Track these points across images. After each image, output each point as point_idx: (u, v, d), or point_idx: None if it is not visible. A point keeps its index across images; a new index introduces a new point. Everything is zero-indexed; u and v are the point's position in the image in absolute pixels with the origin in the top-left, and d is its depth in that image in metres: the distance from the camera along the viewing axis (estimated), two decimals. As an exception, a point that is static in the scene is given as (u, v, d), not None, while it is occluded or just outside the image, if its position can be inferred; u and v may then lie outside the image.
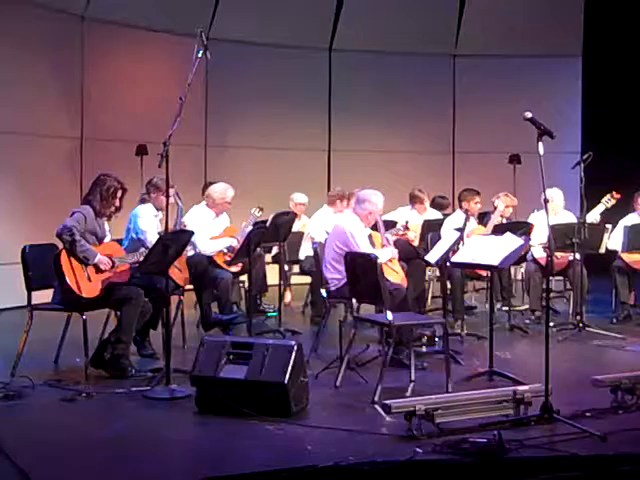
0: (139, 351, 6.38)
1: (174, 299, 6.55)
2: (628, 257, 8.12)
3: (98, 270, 5.82)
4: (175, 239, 5.89)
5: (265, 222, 7.48)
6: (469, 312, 8.33)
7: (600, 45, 11.71)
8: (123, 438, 4.52)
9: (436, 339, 6.59)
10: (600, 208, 8.10)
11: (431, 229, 8.14)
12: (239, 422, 4.66)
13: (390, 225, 7.72)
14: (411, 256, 7.65)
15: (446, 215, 8.79)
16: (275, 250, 8.77)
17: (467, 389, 5.14)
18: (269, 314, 8.38)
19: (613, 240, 8.00)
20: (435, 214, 9.11)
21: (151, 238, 6.48)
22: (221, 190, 7.60)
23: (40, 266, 5.96)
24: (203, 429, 4.77)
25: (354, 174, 10.44)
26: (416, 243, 8.13)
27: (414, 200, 9.09)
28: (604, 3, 11.50)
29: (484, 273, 7.43)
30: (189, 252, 7.04)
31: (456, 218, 7.95)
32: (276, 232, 7.42)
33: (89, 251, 5.77)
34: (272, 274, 8.50)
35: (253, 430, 4.57)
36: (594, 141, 10.86)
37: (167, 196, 5.59)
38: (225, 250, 7.42)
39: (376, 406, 4.98)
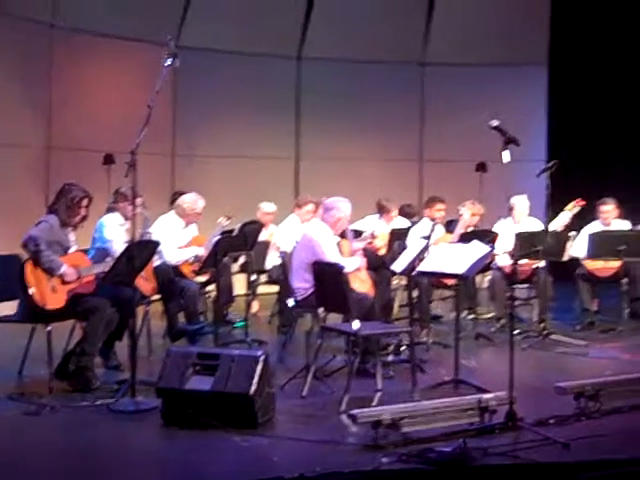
0: (104, 363, 6.33)
1: (140, 309, 6.52)
2: (591, 264, 8.21)
3: (63, 281, 5.78)
4: (141, 249, 5.87)
5: (232, 231, 7.47)
6: (435, 321, 8.37)
7: (566, 54, 11.86)
8: (88, 451, 4.49)
9: (402, 348, 6.62)
10: (564, 216, 8.19)
11: (398, 238, 8.18)
12: (205, 434, 4.65)
13: (358, 234, 7.74)
14: (378, 265, 7.67)
15: (413, 224, 8.84)
16: (242, 259, 8.75)
17: (433, 398, 5.17)
18: (236, 324, 8.35)
19: (577, 247, 8.08)
20: (403, 223, 9.15)
21: (117, 247, 6.45)
22: (192, 201, 7.59)
23: (4, 277, 5.90)
24: (169, 441, 4.75)
25: (322, 182, 10.45)
26: (383, 252, 8.17)
27: (381, 209, 9.13)
28: (570, 12, 11.64)
29: (450, 282, 7.47)
30: (156, 262, 7.02)
31: (422, 226, 7.99)
32: (243, 241, 7.41)
33: (54, 262, 5.73)
34: (239, 284, 8.48)
35: (219, 442, 4.56)
36: (559, 149, 10.97)
37: (134, 205, 5.58)
38: (192, 260, 7.40)
39: (342, 416, 5.00)
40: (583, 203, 8.19)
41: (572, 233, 7.99)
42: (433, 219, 7.82)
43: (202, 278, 7.43)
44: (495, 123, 5.16)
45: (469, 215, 8.26)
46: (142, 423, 5.00)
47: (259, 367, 4.84)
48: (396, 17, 11.60)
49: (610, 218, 8.42)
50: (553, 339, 7.52)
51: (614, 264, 8.01)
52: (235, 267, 8.77)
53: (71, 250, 6.04)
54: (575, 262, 8.26)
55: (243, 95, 11.08)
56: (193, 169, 10.81)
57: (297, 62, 11.66)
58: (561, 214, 8.14)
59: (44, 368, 5.78)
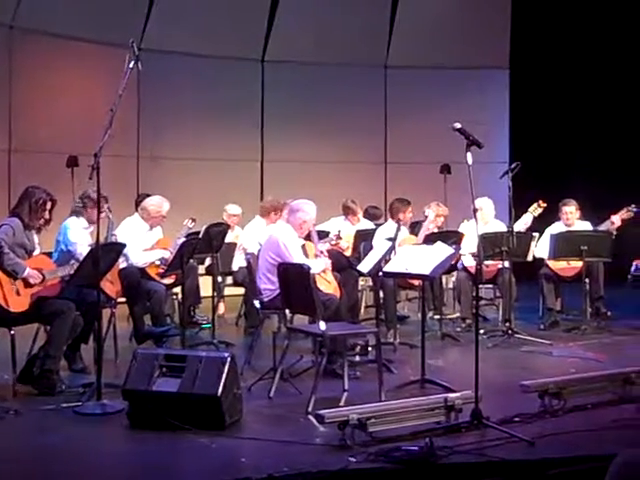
0: (70, 366, 6.28)
1: (106, 312, 6.47)
2: (554, 264, 8.31)
3: (27, 284, 5.72)
4: (107, 252, 5.82)
5: (198, 233, 7.45)
6: (402, 321, 8.43)
7: (527, 57, 12.00)
8: (53, 455, 4.45)
9: (369, 348, 6.64)
10: (528, 217, 8.29)
11: (363, 239, 8.22)
12: (172, 436, 4.63)
13: (323, 235, 7.77)
14: (344, 266, 7.71)
15: (378, 225, 8.88)
16: (208, 261, 8.73)
17: (400, 397, 5.19)
18: (202, 326, 8.33)
19: (540, 248, 8.18)
20: (368, 224, 9.20)
21: (81, 250, 6.40)
22: (157, 203, 7.56)
23: (-34, 281, 5.81)
24: (136, 444, 4.72)
25: (287, 185, 10.46)
26: (349, 253, 8.20)
27: (347, 211, 9.17)
28: (530, 17, 11.79)
29: (416, 282, 7.52)
30: (121, 264, 6.98)
31: (388, 228, 8.03)
32: (209, 243, 7.41)
33: (18, 264, 5.67)
34: (205, 285, 8.46)
35: (186, 444, 4.54)
36: (522, 151, 11.11)
37: (98, 208, 5.54)
38: (158, 262, 7.37)
39: (310, 416, 5.00)
40: (545, 205, 8.29)
41: (535, 234, 8.09)
42: (399, 221, 7.87)
43: (168, 280, 7.40)
44: (458, 126, 5.20)
45: (434, 216, 8.33)
46: (108, 426, 4.96)
47: (226, 368, 4.83)
48: (360, 20, 11.65)
49: (572, 219, 8.53)
50: (518, 338, 7.60)
51: (576, 264, 8.12)
52: (201, 269, 8.75)
53: (35, 253, 5.98)
54: (539, 262, 8.36)
55: (208, 98, 11.06)
56: (158, 171, 10.77)
57: (262, 65, 11.66)
58: (524, 215, 8.24)
59: (8, 372, 5.72)
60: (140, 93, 10.50)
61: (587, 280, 8.16)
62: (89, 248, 6.20)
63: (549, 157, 12.04)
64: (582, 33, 11.81)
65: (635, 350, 7.06)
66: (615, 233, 8.25)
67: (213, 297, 7.81)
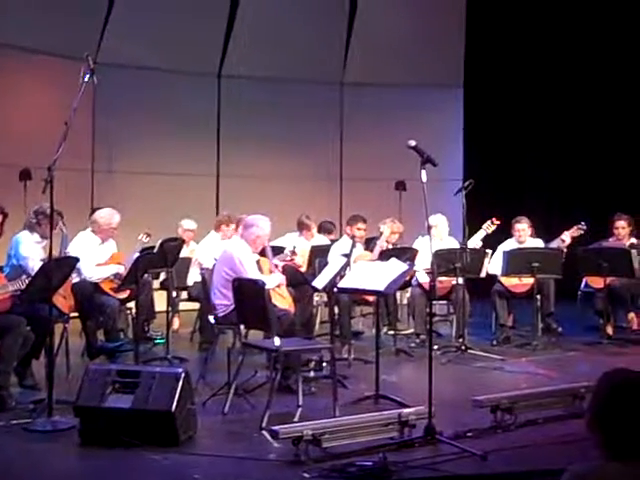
0: (20, 382, 6.17)
1: (58, 327, 6.39)
2: (507, 281, 8.42)
3: (-23, 299, 5.64)
4: (59, 266, 5.76)
5: (153, 248, 7.41)
6: (356, 337, 8.44)
7: (480, 76, 12.18)
8: (3, 472, 4.38)
9: (323, 364, 6.65)
10: (481, 234, 8.39)
11: (318, 255, 8.24)
12: (125, 453, 4.59)
13: (278, 251, 7.78)
14: (299, 282, 7.71)
15: (333, 241, 8.92)
16: (163, 276, 8.68)
17: (354, 413, 5.22)
18: (156, 341, 8.27)
19: (493, 265, 8.28)
20: (323, 240, 9.23)
21: (33, 265, 6.32)
22: (107, 215, 7.50)
23: None
24: (87, 461, 4.67)
25: (243, 200, 10.45)
26: (304, 269, 8.22)
27: (302, 227, 9.19)
28: (485, 35, 11.98)
29: (370, 298, 7.56)
30: (74, 279, 6.91)
31: (343, 244, 8.07)
32: (164, 258, 7.36)
33: (-33, 279, 5.59)
34: (160, 300, 8.41)
35: (139, 461, 4.51)
36: (475, 168, 11.25)
37: (51, 222, 5.49)
38: (112, 277, 7.31)
39: (264, 432, 4.99)
40: (498, 222, 8.40)
41: (488, 251, 8.19)
42: (353, 237, 7.92)
43: (122, 295, 7.34)
44: (412, 143, 5.26)
45: (389, 233, 8.39)
46: (59, 443, 4.89)
47: (180, 384, 4.81)
48: (317, 36, 11.73)
49: (524, 236, 8.65)
50: (471, 354, 7.68)
51: (528, 281, 8.23)
52: (156, 284, 8.69)
53: (-14, 267, 5.90)
54: (491, 279, 8.46)
55: (164, 112, 11.02)
56: (113, 185, 10.68)
57: (218, 79, 11.66)
58: (478, 232, 8.35)
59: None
60: (95, 107, 10.42)
61: (538, 296, 8.27)
62: (41, 263, 6.13)
63: (502, 175, 12.21)
64: (535, 51, 12.03)
65: (584, 366, 7.19)
66: (565, 250, 8.40)
67: (168, 312, 7.76)
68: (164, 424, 4.72)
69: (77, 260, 6.40)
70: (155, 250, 7.29)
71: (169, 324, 7.73)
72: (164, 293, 8.31)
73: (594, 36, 11.65)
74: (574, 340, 8.43)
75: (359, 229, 8.29)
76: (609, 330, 8.41)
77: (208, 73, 11.54)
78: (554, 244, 8.52)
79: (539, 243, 8.67)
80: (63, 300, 6.51)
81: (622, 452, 2.44)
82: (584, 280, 8.75)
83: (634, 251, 8.10)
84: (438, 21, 11.94)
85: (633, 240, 8.68)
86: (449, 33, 12.05)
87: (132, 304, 7.61)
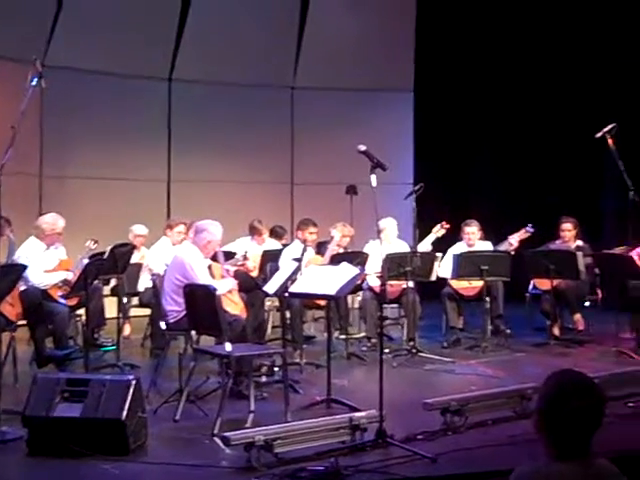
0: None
1: (5, 335, 6.28)
2: (456, 284, 8.52)
3: None
4: (6, 273, 5.68)
5: (103, 254, 7.34)
6: (308, 341, 8.47)
7: (430, 80, 12.29)
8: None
9: (275, 369, 6.66)
10: (431, 237, 8.48)
11: (270, 259, 8.25)
12: (74, 463, 4.54)
13: (229, 256, 7.77)
14: (250, 287, 7.71)
15: (284, 245, 8.94)
16: (113, 282, 8.60)
17: (306, 418, 5.24)
18: (107, 348, 8.19)
19: (443, 268, 8.37)
20: (274, 244, 9.24)
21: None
22: (51, 221, 7.42)
23: None
24: (36, 472, 4.62)
25: (194, 205, 10.42)
26: (255, 274, 8.21)
27: (253, 231, 9.19)
28: (434, 40, 12.10)
29: (322, 302, 7.58)
30: (22, 286, 6.82)
31: (294, 248, 8.09)
32: (114, 264, 7.29)
33: None
34: (110, 307, 8.32)
35: (89, 470, 4.47)
36: (425, 173, 11.35)
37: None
38: (60, 284, 7.23)
39: (216, 439, 4.98)
40: (448, 226, 8.50)
41: (438, 254, 8.28)
42: (305, 241, 7.94)
43: (71, 302, 7.26)
44: (362, 148, 5.30)
45: (340, 237, 8.43)
46: (7, 454, 4.82)
47: (131, 392, 4.78)
48: (268, 40, 11.73)
49: (474, 239, 8.76)
50: (421, 357, 7.75)
51: (478, 283, 8.33)
52: (106, 290, 8.61)
53: None
54: (442, 282, 8.55)
55: (114, 116, 10.92)
56: (62, 191, 10.55)
57: (169, 83, 11.59)
58: (428, 236, 8.43)
59: None
60: (44, 110, 10.27)
61: (487, 299, 8.37)
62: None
63: (452, 178, 12.36)
64: (484, 56, 12.19)
65: (532, 367, 7.29)
66: (513, 253, 8.52)
67: (118, 318, 7.70)
68: (114, 433, 4.68)
69: (25, 267, 6.31)
70: (105, 256, 7.23)
71: (120, 331, 7.66)
72: (114, 299, 8.23)
73: (541, 42, 11.84)
74: (522, 341, 8.56)
75: (311, 233, 8.30)
76: (556, 331, 8.56)
77: (159, 77, 11.46)
78: (502, 247, 8.64)
79: (488, 246, 8.79)
80: (10, 308, 6.42)
81: (568, 452, 2.50)
82: (532, 282, 8.89)
83: (580, 253, 8.26)
84: (388, 26, 12.02)
85: (579, 242, 8.85)
86: (399, 38, 12.14)
87: (82, 311, 7.54)
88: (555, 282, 8.24)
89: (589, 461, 2.49)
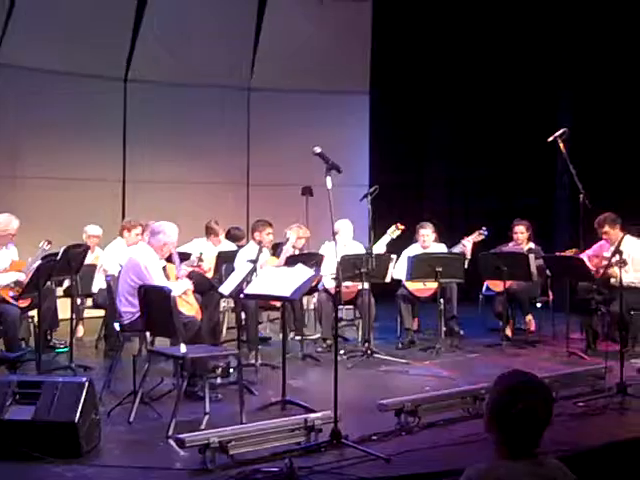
0: None
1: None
2: (411, 285, 8.58)
3: None
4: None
5: (56, 255, 7.26)
6: (263, 342, 8.46)
7: (386, 83, 12.37)
8: None
9: (230, 370, 6.65)
10: (386, 239, 8.53)
11: (225, 260, 8.23)
12: (26, 466, 4.49)
13: (185, 257, 7.73)
14: (205, 288, 7.69)
15: (240, 247, 8.92)
16: (67, 283, 8.52)
17: (261, 419, 5.24)
18: (60, 350, 8.10)
19: (398, 270, 8.43)
20: (230, 246, 9.22)
21: None
22: (4, 221, 7.34)
23: None
24: (-14, 475, 4.56)
25: (149, 205, 10.35)
26: (210, 275, 8.19)
27: (209, 232, 9.16)
28: (391, 43, 12.18)
29: (277, 304, 7.59)
30: (-28, 288, 6.73)
31: (250, 250, 8.08)
32: (67, 265, 7.22)
33: None
34: (64, 308, 8.24)
35: (41, 473, 4.42)
36: (381, 175, 11.42)
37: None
38: (12, 285, 7.14)
39: (170, 441, 4.96)
40: (403, 227, 8.56)
41: (393, 256, 8.34)
42: (260, 242, 7.93)
43: (23, 303, 7.17)
44: (318, 150, 5.33)
45: (295, 238, 8.44)
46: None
47: (83, 394, 4.75)
48: (224, 42, 11.70)
49: (428, 241, 8.83)
50: (376, 358, 7.79)
51: (432, 285, 8.41)
52: (59, 291, 8.52)
53: None
54: (396, 283, 8.61)
55: (69, 116, 10.79)
56: (15, 191, 10.40)
57: (124, 84, 11.49)
58: (382, 237, 8.48)
59: None
60: (-4, 110, 10.14)
61: (442, 300, 8.46)
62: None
63: (407, 180, 12.44)
64: (440, 59, 12.33)
65: (484, 368, 7.38)
66: (469, 257, 8.61)
67: (72, 319, 7.62)
68: (67, 435, 4.64)
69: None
70: (59, 257, 7.15)
71: (73, 332, 7.58)
72: (68, 300, 8.14)
73: (496, 50, 11.99)
74: (475, 342, 8.65)
75: (268, 234, 8.26)
76: (508, 332, 8.67)
77: (114, 77, 11.35)
78: (456, 249, 8.73)
79: (442, 248, 8.87)
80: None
81: (517, 450, 2.55)
82: (485, 284, 9.00)
83: (532, 256, 8.38)
84: (345, 28, 12.07)
85: (531, 245, 8.99)
86: (356, 40, 12.19)
87: (34, 312, 7.45)
88: (507, 284, 8.35)
89: (538, 460, 2.55)
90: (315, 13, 12.00)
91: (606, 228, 7.90)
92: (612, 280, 7.56)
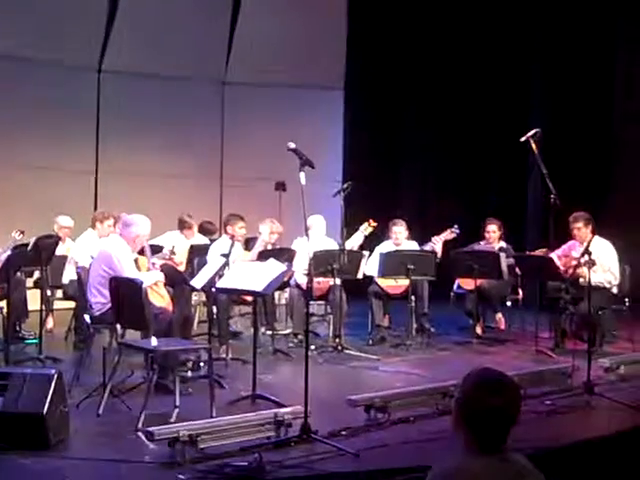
0: None
1: None
2: (383, 282, 8.61)
3: None
4: None
5: (27, 245, 7.20)
6: (234, 337, 8.45)
7: (361, 79, 12.40)
8: None
9: (201, 364, 6.65)
10: (358, 235, 8.55)
11: (198, 254, 8.21)
12: (-7, 457, 4.46)
13: (157, 249, 7.71)
14: (177, 281, 7.65)
15: (213, 240, 8.90)
16: (37, 274, 8.45)
17: (231, 413, 5.25)
18: (28, 341, 8.04)
19: (370, 266, 8.46)
20: (202, 239, 9.20)
21: None
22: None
23: None
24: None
25: (122, 197, 10.29)
26: (182, 268, 8.17)
27: (182, 225, 9.13)
28: (365, 39, 12.22)
29: (249, 298, 7.58)
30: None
31: (222, 243, 8.06)
32: (38, 256, 7.17)
33: None
34: (33, 299, 8.17)
35: (8, 465, 4.39)
36: (354, 171, 11.45)
37: None
38: (-18, 275, 7.07)
39: (139, 434, 4.95)
40: (375, 224, 8.59)
41: (365, 252, 8.36)
42: (232, 237, 7.92)
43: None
44: (292, 146, 5.34)
45: (268, 233, 8.44)
46: None
47: (52, 386, 4.72)
48: (199, 34, 11.65)
49: (401, 239, 8.87)
50: (347, 354, 7.82)
51: (404, 282, 8.44)
52: (29, 282, 8.45)
53: None
54: (368, 280, 8.64)
55: (42, 105, 10.69)
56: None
57: (98, 74, 11.41)
58: (355, 234, 8.51)
59: None
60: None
61: (413, 297, 8.49)
62: None
63: (380, 177, 12.48)
64: (415, 56, 12.38)
65: (454, 364, 7.42)
66: (439, 253, 8.66)
67: (41, 311, 7.55)
68: (35, 427, 4.61)
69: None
70: (29, 247, 7.10)
71: (42, 323, 7.53)
72: (38, 291, 8.08)
73: (471, 48, 12.07)
74: (446, 340, 8.72)
75: (240, 228, 8.24)
76: (478, 330, 8.72)
77: (88, 67, 11.27)
78: (428, 247, 8.78)
79: (414, 245, 8.91)
80: None
81: (485, 447, 2.57)
82: (456, 282, 9.05)
83: (502, 254, 8.45)
84: (320, 23, 12.07)
85: (502, 244, 9.06)
86: (330, 35, 12.20)
87: (3, 303, 7.38)
88: (479, 282, 8.41)
89: (505, 456, 2.57)
90: (290, 8, 11.99)
91: (579, 224, 8.00)
92: (581, 280, 7.65)
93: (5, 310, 7.27)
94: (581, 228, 7.99)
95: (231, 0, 11.89)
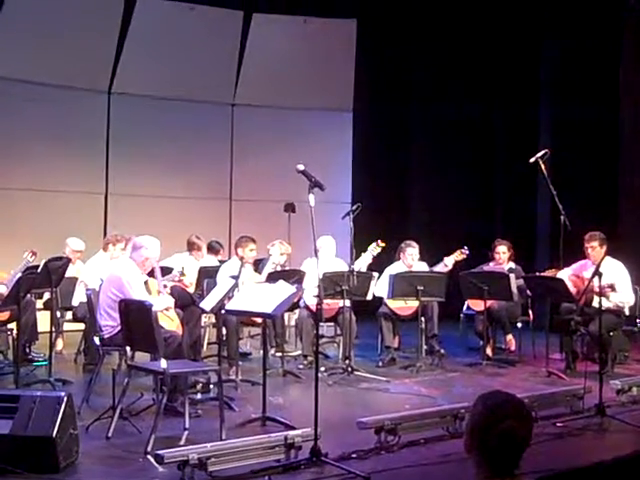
0: None
1: None
2: (392, 303, 8.59)
3: None
4: None
5: (37, 267, 7.22)
6: (244, 358, 8.44)
7: (369, 101, 12.45)
8: None
9: (211, 386, 6.63)
10: (367, 256, 8.54)
11: (207, 275, 8.21)
12: (2, 481, 4.46)
13: (166, 271, 7.72)
14: (187, 303, 7.66)
15: (221, 262, 8.91)
16: (47, 296, 8.46)
17: (240, 435, 5.22)
18: (38, 363, 8.04)
19: (379, 287, 8.44)
20: (212, 261, 9.20)
21: None
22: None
23: None
24: (-38, 490, 4.51)
25: (132, 219, 10.33)
26: (192, 289, 8.17)
27: (192, 246, 9.14)
28: (372, 64, 12.28)
29: (258, 320, 7.58)
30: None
31: (232, 265, 8.06)
32: (48, 278, 7.18)
33: None
34: (43, 321, 8.18)
35: (18, 488, 4.39)
36: (363, 192, 11.46)
37: None
38: (-8, 297, 7.09)
39: (149, 456, 4.93)
40: (383, 244, 8.58)
41: (375, 274, 8.35)
42: (242, 258, 7.92)
43: (2, 316, 7.11)
44: (301, 167, 5.36)
45: (278, 254, 8.44)
46: None
47: (62, 408, 4.71)
48: (209, 57, 11.73)
49: (414, 260, 8.85)
50: (357, 375, 7.78)
51: (413, 303, 8.41)
52: (39, 304, 8.47)
53: None
54: (378, 301, 8.61)
55: (53, 128, 10.78)
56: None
57: (108, 97, 11.48)
58: (363, 255, 8.49)
59: None
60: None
61: (423, 319, 8.46)
62: None
63: (389, 198, 12.49)
64: (423, 78, 12.42)
65: (465, 387, 7.39)
66: (449, 274, 8.64)
67: (51, 333, 7.57)
68: (44, 450, 4.60)
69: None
70: (39, 270, 7.11)
71: (52, 345, 7.53)
72: (47, 313, 8.09)
73: (478, 69, 12.11)
74: (456, 361, 8.67)
75: (251, 250, 8.22)
76: (488, 351, 8.67)
77: (98, 90, 11.35)
78: (438, 268, 8.76)
79: (424, 267, 8.89)
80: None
81: (497, 471, 2.55)
82: (466, 303, 9.02)
83: (512, 275, 8.43)
84: (329, 46, 12.14)
85: (511, 265, 9.03)
86: (339, 58, 12.26)
87: (13, 325, 7.39)
88: (488, 303, 8.38)
89: (518, 480, 2.55)
90: (299, 31, 12.07)
91: (595, 243, 7.97)
92: (594, 303, 7.60)
93: (15, 332, 7.28)
94: (595, 247, 7.96)
95: (240, 23, 11.97)
